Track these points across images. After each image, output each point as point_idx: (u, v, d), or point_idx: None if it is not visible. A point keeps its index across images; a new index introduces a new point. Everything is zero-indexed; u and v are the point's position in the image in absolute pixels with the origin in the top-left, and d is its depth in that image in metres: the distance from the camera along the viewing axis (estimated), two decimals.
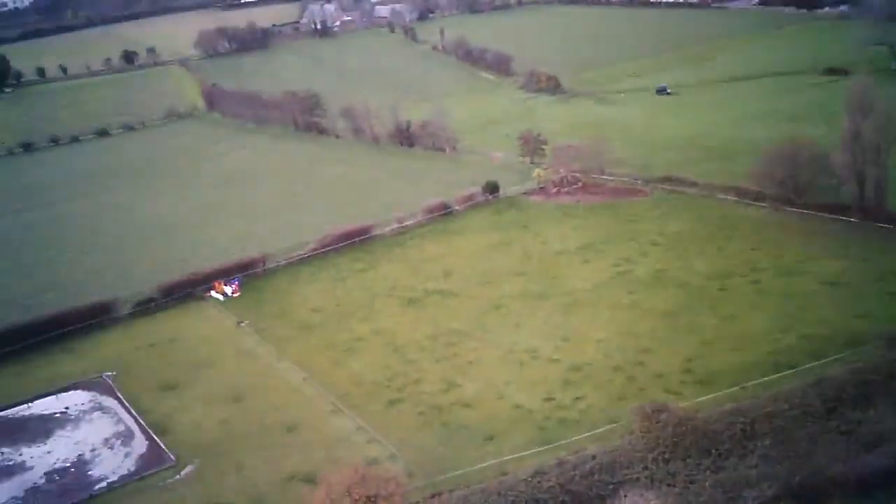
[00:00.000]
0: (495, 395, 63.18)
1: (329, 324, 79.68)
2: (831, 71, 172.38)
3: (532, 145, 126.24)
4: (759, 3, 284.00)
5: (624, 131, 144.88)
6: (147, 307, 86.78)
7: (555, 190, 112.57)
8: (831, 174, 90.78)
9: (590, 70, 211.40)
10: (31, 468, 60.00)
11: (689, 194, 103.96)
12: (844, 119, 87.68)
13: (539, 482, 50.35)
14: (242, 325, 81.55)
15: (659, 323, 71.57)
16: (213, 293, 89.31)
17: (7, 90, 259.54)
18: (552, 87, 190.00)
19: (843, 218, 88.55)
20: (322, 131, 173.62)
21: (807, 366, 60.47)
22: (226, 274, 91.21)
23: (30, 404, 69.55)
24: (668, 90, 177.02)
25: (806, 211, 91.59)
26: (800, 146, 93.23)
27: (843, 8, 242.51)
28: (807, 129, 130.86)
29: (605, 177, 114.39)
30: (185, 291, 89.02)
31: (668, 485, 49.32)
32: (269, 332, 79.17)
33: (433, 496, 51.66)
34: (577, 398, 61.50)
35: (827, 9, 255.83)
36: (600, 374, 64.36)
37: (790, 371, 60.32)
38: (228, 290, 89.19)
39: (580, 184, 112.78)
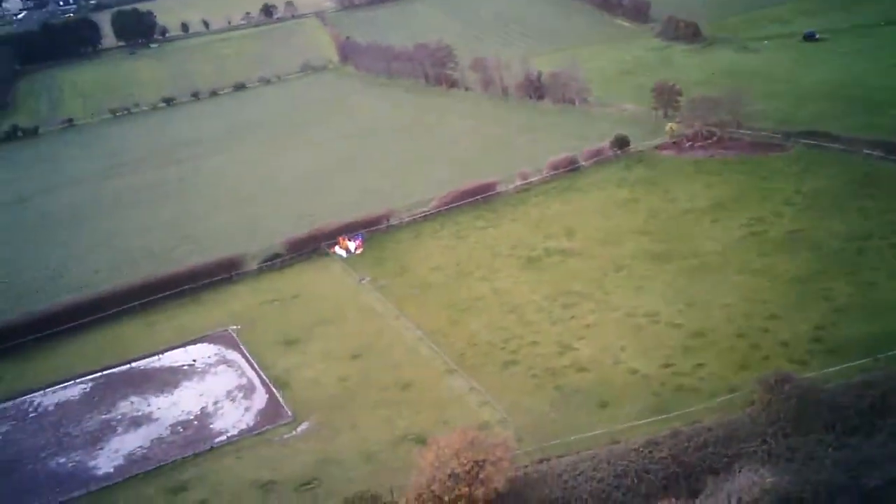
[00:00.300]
0: (612, 360, 61.68)
1: (448, 282, 79.82)
2: None
3: (666, 97, 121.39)
4: None
5: (765, 81, 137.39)
6: (273, 263, 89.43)
7: (688, 144, 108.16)
8: None
9: (732, 15, 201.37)
10: (158, 419, 63.14)
11: (831, 149, 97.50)
12: None
13: (650, 452, 48.78)
14: (363, 281, 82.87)
15: (789, 288, 67.75)
16: (336, 249, 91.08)
17: (153, 45, 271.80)
18: (690, 34, 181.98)
19: None
20: (452, 84, 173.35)
21: None
22: (350, 230, 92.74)
23: (160, 356, 73.14)
24: (817, 35, 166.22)
25: None
26: None
27: None
28: None
29: (741, 131, 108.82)
30: (310, 247, 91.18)
31: (787, 460, 46.88)
32: (389, 290, 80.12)
33: (541, 461, 51.07)
34: (697, 365, 59.19)
35: None
36: (723, 341, 61.66)
37: None
38: (352, 245, 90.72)
39: (715, 138, 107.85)
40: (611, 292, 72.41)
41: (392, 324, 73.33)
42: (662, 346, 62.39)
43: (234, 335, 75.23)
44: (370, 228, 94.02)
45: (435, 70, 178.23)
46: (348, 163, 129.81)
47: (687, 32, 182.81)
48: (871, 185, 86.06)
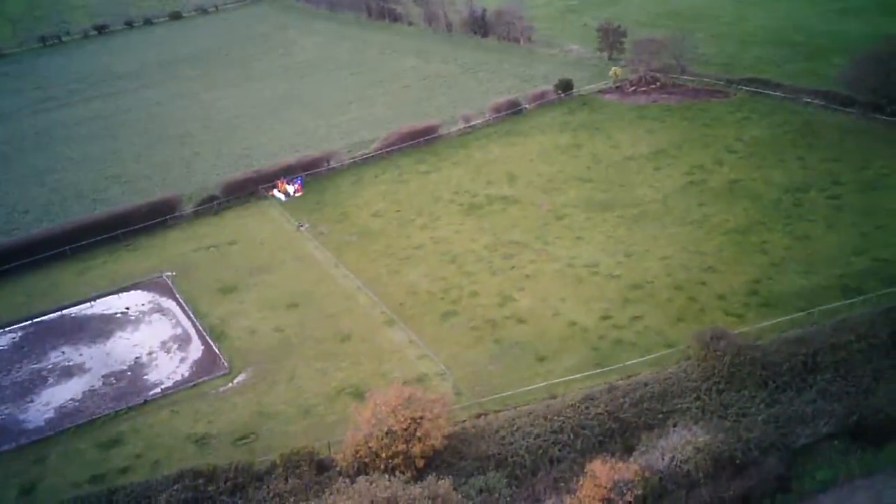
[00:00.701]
0: (551, 312, 61.65)
1: (388, 229, 78.73)
2: None
3: (611, 38, 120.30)
4: None
5: (710, 21, 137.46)
6: (210, 206, 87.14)
7: (631, 89, 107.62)
8: None
9: None
10: (90, 370, 61.40)
11: (772, 97, 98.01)
12: None
13: (587, 408, 49.06)
14: (302, 228, 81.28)
15: (727, 240, 68.31)
16: (275, 192, 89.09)
17: None
18: None
19: None
20: (395, 18, 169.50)
21: (878, 293, 57.11)
22: (289, 172, 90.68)
23: (92, 303, 71.04)
24: None
25: None
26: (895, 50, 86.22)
27: None
28: None
29: (685, 77, 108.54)
30: (248, 190, 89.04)
31: (720, 417, 47.58)
32: (328, 237, 78.76)
33: (479, 416, 51.13)
34: (635, 318, 59.53)
35: None
36: (661, 293, 62.06)
37: (860, 298, 57.03)
38: (291, 189, 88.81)
39: (658, 83, 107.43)
40: (551, 242, 72.15)
41: (331, 272, 72.18)
42: (601, 298, 62.53)
43: (169, 282, 73.37)
44: (310, 171, 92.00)
45: (378, 3, 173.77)
46: (287, 100, 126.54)
47: None
48: (810, 135, 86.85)
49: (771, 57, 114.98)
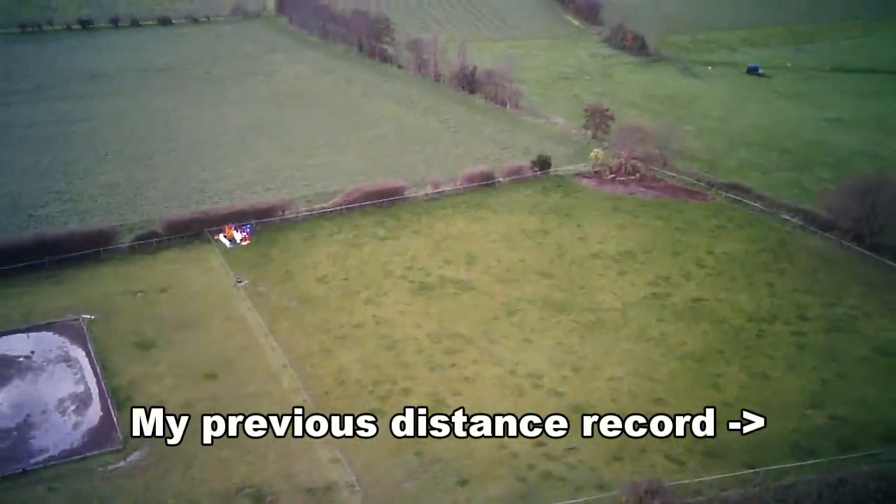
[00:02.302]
0: (482, 426, 57.03)
1: (331, 299, 73.92)
2: None
3: (598, 119, 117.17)
4: None
5: (701, 114, 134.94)
6: (148, 243, 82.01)
7: (610, 176, 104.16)
8: None
9: (681, 33, 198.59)
10: None
11: (751, 208, 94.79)
12: None
13: None
14: (240, 284, 76.31)
15: (681, 367, 64.17)
16: (221, 237, 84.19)
17: None
18: (637, 47, 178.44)
19: None
20: (385, 59, 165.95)
21: (831, 458, 53.08)
22: (239, 218, 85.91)
23: None
24: (760, 70, 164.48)
25: (874, 255, 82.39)
26: (883, 181, 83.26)
27: None
28: None
29: (666, 171, 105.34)
30: (192, 231, 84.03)
31: None
32: (265, 298, 73.80)
33: None
34: (570, 448, 55.03)
35: None
36: (603, 422, 57.69)
37: (810, 462, 52.99)
38: (238, 236, 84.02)
39: (638, 175, 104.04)
40: (497, 342, 67.65)
41: (260, 341, 67.16)
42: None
43: (85, 327, 67.98)
44: (262, 220, 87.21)
45: (369, 41, 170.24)
46: (258, 132, 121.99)
47: (634, 44, 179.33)
48: (784, 258, 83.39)
49: (757, 161, 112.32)
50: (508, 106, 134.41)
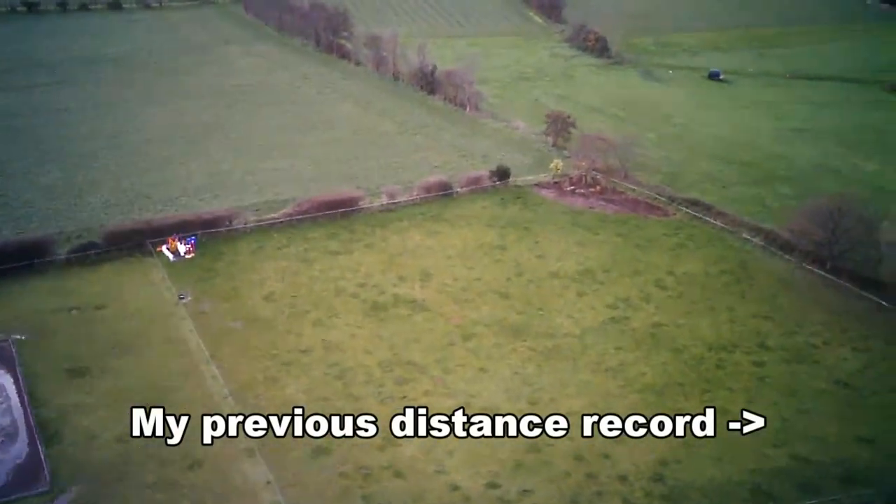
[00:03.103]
0: (434, 467, 54.32)
1: (278, 321, 70.58)
2: None
3: (559, 125, 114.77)
4: None
5: (662, 121, 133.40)
6: (86, 255, 77.79)
7: (570, 188, 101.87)
8: (874, 244, 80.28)
9: (644, 35, 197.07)
10: None
11: (712, 225, 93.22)
12: None
13: None
14: (183, 300, 72.67)
15: (641, 401, 62.08)
16: (164, 249, 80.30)
17: None
18: (599, 48, 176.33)
19: (875, 298, 78.19)
20: (343, 55, 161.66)
21: None
22: (184, 228, 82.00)
23: None
24: (721, 76, 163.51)
25: (834, 279, 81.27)
26: (845, 205, 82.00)
27: None
28: (859, 159, 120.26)
29: (627, 183, 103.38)
30: (133, 242, 79.98)
31: None
32: (209, 319, 70.23)
33: None
34: (525, 491, 52.60)
35: None
36: (559, 462, 55.30)
37: None
38: (182, 248, 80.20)
39: (599, 187, 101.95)
40: (452, 370, 65.00)
41: (200, 368, 63.68)
42: (492, 457, 55.48)
43: (13, 350, 63.94)
44: (208, 231, 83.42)
45: (327, 35, 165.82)
46: (209, 131, 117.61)
47: (596, 46, 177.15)
48: (745, 280, 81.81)
49: (717, 174, 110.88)
50: (468, 108, 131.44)
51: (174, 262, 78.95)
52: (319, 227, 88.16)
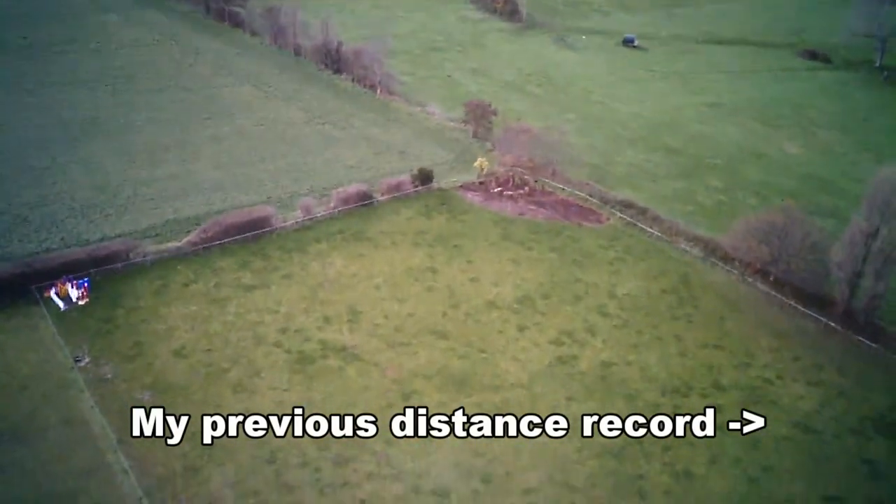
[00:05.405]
0: None
1: (193, 387, 62.19)
2: (811, 55, 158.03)
3: (479, 114, 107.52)
4: None
5: (580, 98, 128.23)
6: None
7: (497, 189, 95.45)
8: (820, 261, 77.38)
9: None
10: None
11: (648, 234, 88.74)
12: (859, 213, 73.10)
13: None
14: (81, 362, 63.39)
15: (600, 468, 57.39)
16: (53, 294, 70.26)
17: None
18: (508, 11, 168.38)
19: (822, 318, 75.57)
20: (237, 24, 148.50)
21: None
22: (75, 269, 71.85)
23: None
24: (636, 43, 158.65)
25: (779, 295, 78.30)
26: (789, 223, 78.54)
27: None
28: (782, 140, 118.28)
29: (555, 182, 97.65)
30: (14, 288, 69.34)
31: None
32: (112, 389, 61.31)
33: None
34: None
35: None
36: None
37: None
38: (74, 294, 70.33)
39: (527, 188, 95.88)
40: (394, 442, 58.64)
41: (107, 459, 55.22)
42: None
43: None
44: (102, 268, 73.50)
45: (218, 2, 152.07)
46: (90, 128, 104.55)
47: (505, 8, 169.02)
48: (689, 301, 77.92)
49: (645, 164, 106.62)
50: (379, 91, 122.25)
51: (66, 310, 69.12)
52: (229, 254, 79.25)
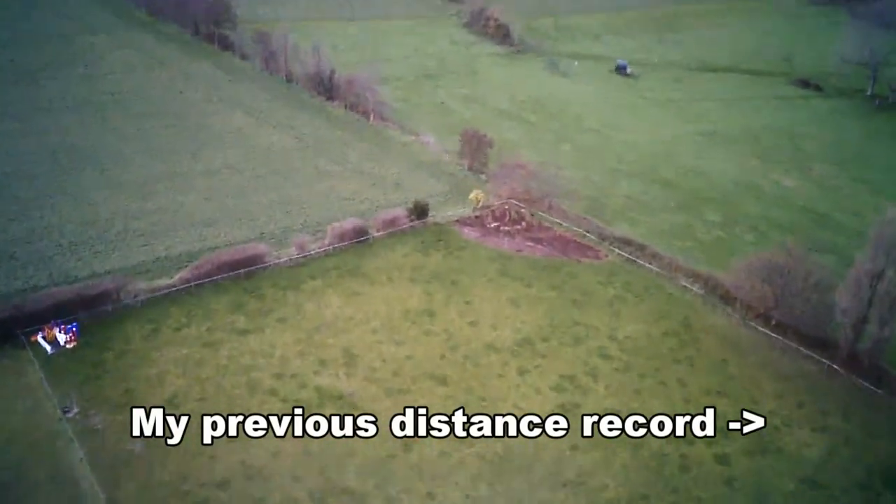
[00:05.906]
0: None
1: (187, 439, 60.26)
2: (803, 83, 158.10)
3: (474, 146, 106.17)
4: None
5: (574, 126, 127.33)
6: None
7: (493, 224, 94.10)
8: (822, 301, 76.39)
9: (544, 17, 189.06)
10: None
11: (647, 270, 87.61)
12: (864, 254, 72.24)
13: None
14: (70, 413, 61.27)
15: None
16: (40, 338, 68.12)
17: None
18: (500, 35, 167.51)
19: (825, 361, 74.53)
20: (227, 47, 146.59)
21: None
22: (62, 312, 69.61)
23: None
24: (628, 70, 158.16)
25: (781, 338, 77.24)
26: (792, 259, 77.70)
27: None
28: (778, 174, 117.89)
29: (552, 216, 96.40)
30: (5, 332, 67.34)
31: None
32: (102, 440, 59.24)
33: None
34: None
35: None
36: None
37: None
38: (62, 338, 68.20)
39: (524, 223, 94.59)
40: (396, 499, 56.83)
41: None
42: None
43: None
44: (91, 310, 71.43)
45: (207, 25, 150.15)
46: (79, 157, 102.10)
47: (497, 33, 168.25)
48: (691, 343, 76.71)
49: (642, 198, 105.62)
50: (372, 118, 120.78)
51: (53, 354, 67.01)
52: (222, 293, 77.35)
